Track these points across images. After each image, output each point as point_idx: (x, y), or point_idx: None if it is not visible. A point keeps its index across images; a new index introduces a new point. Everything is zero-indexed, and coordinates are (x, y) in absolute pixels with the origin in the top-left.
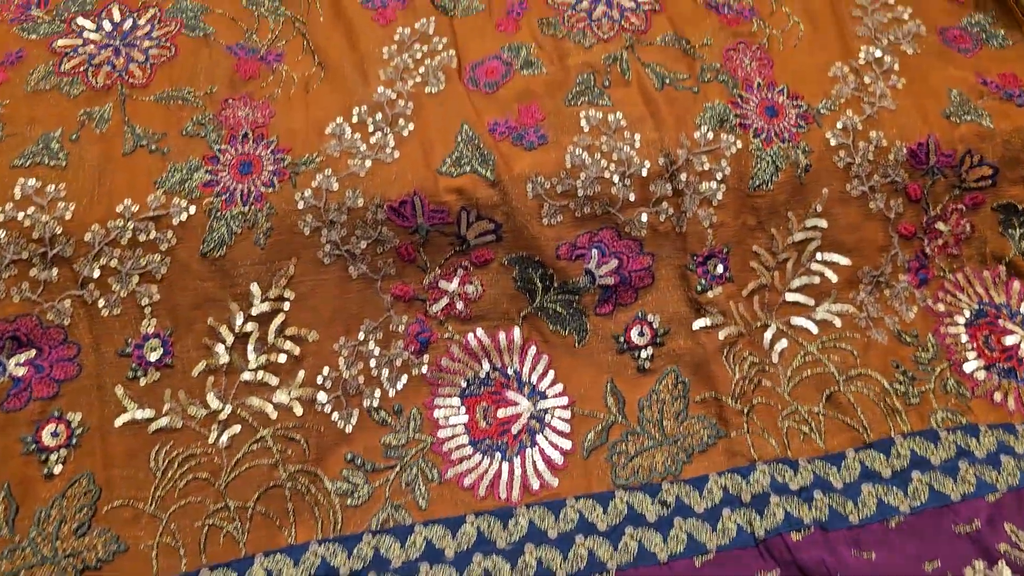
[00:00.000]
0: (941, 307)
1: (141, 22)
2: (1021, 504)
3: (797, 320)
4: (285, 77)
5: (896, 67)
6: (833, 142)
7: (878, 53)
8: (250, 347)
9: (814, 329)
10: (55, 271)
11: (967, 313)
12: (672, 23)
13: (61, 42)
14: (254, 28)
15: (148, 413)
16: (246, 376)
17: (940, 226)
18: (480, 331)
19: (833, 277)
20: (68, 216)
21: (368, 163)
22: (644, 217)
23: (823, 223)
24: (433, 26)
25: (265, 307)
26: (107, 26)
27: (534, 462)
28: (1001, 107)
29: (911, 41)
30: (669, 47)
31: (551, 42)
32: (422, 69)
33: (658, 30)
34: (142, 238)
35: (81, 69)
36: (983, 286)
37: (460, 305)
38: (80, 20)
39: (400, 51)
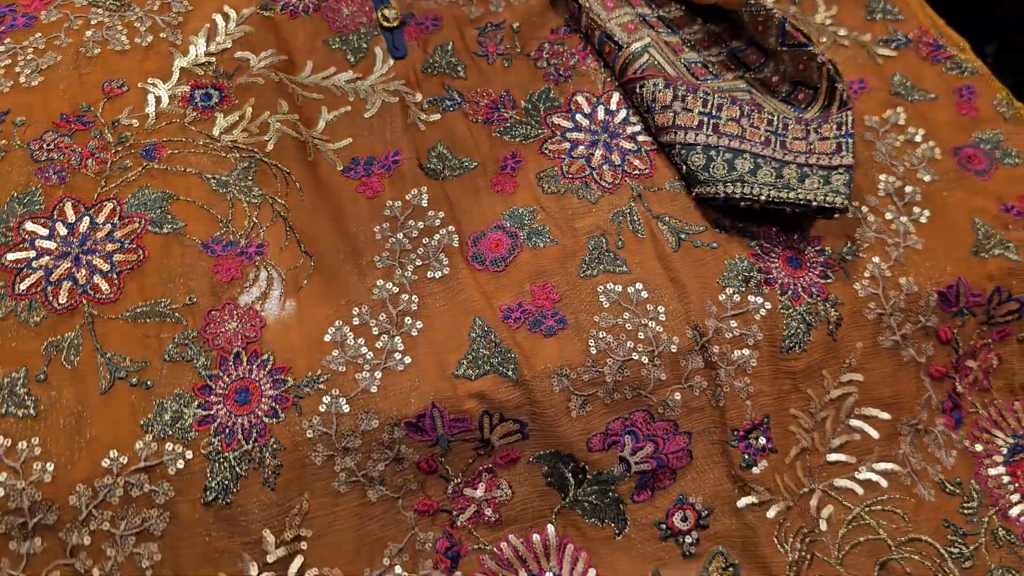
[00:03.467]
0: (979, 447)
1: (100, 220)
2: None
3: (840, 482)
4: (271, 273)
5: (917, 197)
6: (862, 293)
7: (896, 183)
8: None
9: (859, 490)
10: (39, 541)
11: (1004, 451)
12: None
13: (11, 256)
14: (229, 216)
15: None
16: None
17: (970, 363)
18: (512, 537)
19: (874, 433)
20: (47, 479)
21: (378, 375)
22: (677, 396)
23: (859, 376)
24: (426, 197)
25: (281, 552)
26: (62, 230)
27: None
28: None
29: (926, 167)
30: (679, 194)
31: (555, 203)
32: (421, 250)
33: (664, 174)
34: (135, 493)
35: (39, 289)
36: (1015, 418)
37: (489, 511)
38: (29, 225)
39: (394, 229)
